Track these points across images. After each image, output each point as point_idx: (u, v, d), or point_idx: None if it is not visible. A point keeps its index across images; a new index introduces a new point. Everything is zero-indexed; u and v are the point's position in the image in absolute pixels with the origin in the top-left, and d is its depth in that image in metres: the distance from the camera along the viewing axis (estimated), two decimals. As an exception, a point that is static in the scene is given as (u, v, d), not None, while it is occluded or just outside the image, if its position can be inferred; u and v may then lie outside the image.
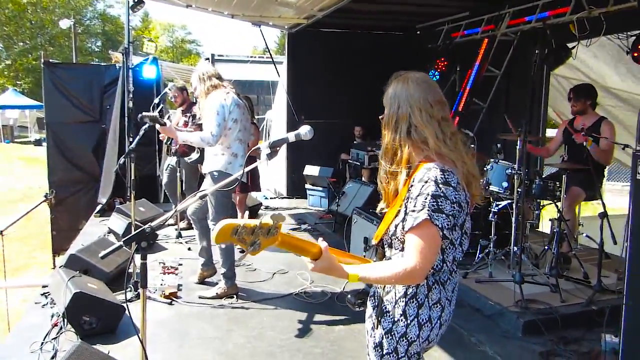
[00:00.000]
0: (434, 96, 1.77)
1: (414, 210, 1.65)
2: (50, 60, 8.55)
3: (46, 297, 4.20)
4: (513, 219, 4.48)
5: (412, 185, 1.70)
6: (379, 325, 1.82)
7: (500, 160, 4.80)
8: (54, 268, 7.32)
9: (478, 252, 4.86)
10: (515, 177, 4.48)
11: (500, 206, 4.79)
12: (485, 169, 4.89)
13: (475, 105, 7.44)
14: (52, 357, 3.26)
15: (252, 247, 1.55)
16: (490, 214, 4.74)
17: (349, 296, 1.94)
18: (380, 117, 1.86)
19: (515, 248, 4.45)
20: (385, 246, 1.86)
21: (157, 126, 4.47)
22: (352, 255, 1.87)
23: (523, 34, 6.73)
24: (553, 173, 5.25)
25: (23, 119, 33.26)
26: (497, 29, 6.95)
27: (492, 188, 4.75)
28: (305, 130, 2.35)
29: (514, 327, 3.81)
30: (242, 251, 5.27)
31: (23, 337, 3.59)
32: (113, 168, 7.22)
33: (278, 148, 2.31)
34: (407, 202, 1.70)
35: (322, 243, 1.69)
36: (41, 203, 7.87)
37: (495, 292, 4.24)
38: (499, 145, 5.05)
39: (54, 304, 3.97)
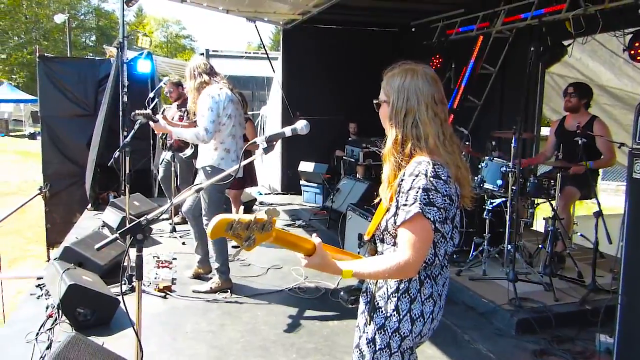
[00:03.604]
0: (439, 94, 1.75)
1: (405, 204, 1.64)
2: (45, 54, 8.48)
3: (41, 288, 4.20)
4: (507, 217, 4.49)
5: (402, 180, 1.69)
6: (372, 321, 1.81)
7: (495, 158, 4.81)
8: (48, 261, 7.30)
9: (472, 249, 4.88)
10: (510, 175, 4.49)
11: (494, 204, 4.80)
12: (479, 166, 4.90)
13: (470, 103, 7.46)
14: (47, 348, 3.26)
15: (247, 243, 1.53)
16: (485, 212, 4.75)
17: (342, 293, 1.93)
18: (374, 101, 1.84)
19: (509, 246, 4.47)
20: (377, 241, 1.86)
21: (151, 123, 4.49)
22: (345, 251, 1.87)
23: (518, 32, 6.75)
24: (548, 171, 5.28)
25: (18, 113, 33.15)
26: (492, 26, 6.96)
27: (486, 186, 4.76)
28: (301, 125, 2.34)
29: (508, 325, 3.82)
30: (234, 247, 5.29)
31: (18, 327, 3.59)
32: (93, 162, 7.19)
33: (274, 142, 2.31)
34: (398, 196, 1.69)
35: (315, 239, 1.68)
36: (35, 196, 7.84)
37: (488, 290, 4.26)
38: (493, 142, 5.07)
39: (49, 295, 3.97)
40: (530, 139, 6.48)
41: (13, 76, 37.99)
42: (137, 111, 4.43)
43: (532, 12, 6.18)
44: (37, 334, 3.44)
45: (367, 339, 1.84)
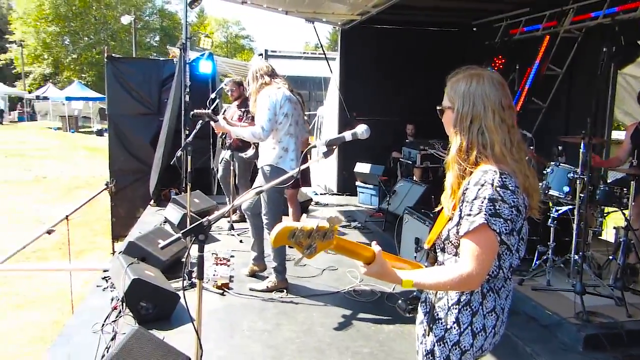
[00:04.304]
0: (506, 99, 1.69)
1: (469, 214, 1.59)
2: (113, 54, 8.88)
3: (107, 281, 4.39)
4: (574, 226, 4.28)
5: (466, 189, 1.64)
6: (431, 332, 1.77)
7: (561, 164, 4.60)
8: (113, 253, 7.63)
9: (535, 258, 4.69)
10: (578, 182, 4.28)
11: (560, 212, 4.59)
12: (544, 172, 4.71)
13: (534, 105, 7.19)
14: (112, 339, 3.41)
15: (308, 251, 1.53)
16: (550, 220, 4.55)
17: (400, 302, 1.89)
18: (438, 107, 1.79)
19: (576, 256, 4.25)
20: (437, 251, 1.81)
21: (211, 123, 4.63)
22: (404, 259, 1.84)
23: (588, 31, 6.44)
24: (620, 178, 4.99)
25: (87, 110, 35.10)
26: (560, 26, 6.67)
27: (551, 192, 4.56)
28: (362, 130, 2.31)
29: (574, 340, 3.63)
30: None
31: (85, 318, 3.77)
32: (160, 160, 7.43)
33: (334, 146, 2.29)
34: (461, 205, 1.64)
35: (375, 247, 1.65)
36: (102, 191, 8.22)
37: (553, 302, 4.08)
38: (560, 147, 4.85)
39: (114, 288, 4.14)
40: (600, 145, 6.15)
41: (83, 75, 40.16)
42: (196, 110, 4.57)
43: (604, 10, 5.89)
44: (103, 325, 3.60)
45: (425, 350, 1.80)
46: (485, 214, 1.56)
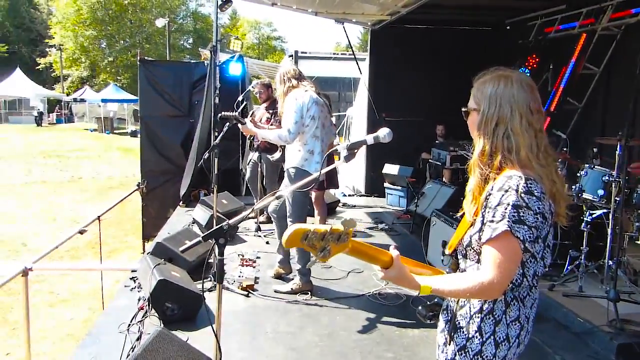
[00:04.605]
0: (535, 103, 1.63)
1: (492, 221, 1.54)
2: (145, 57, 9.03)
3: (134, 281, 4.46)
4: (609, 230, 4.12)
5: (489, 194, 1.59)
6: (452, 341, 1.73)
7: (596, 166, 4.45)
8: (143, 252, 7.78)
9: (567, 263, 4.54)
10: (614, 185, 4.12)
11: (594, 215, 4.43)
12: (578, 174, 4.55)
13: (570, 105, 6.97)
14: (137, 339, 3.45)
15: (322, 254, 1.51)
16: (583, 224, 4.40)
17: (420, 308, 1.85)
18: (463, 109, 1.74)
19: (611, 262, 4.10)
20: (459, 257, 1.76)
21: (239, 125, 4.67)
22: (425, 265, 1.80)
23: (628, 28, 6.20)
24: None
25: (122, 112, 36.03)
26: (598, 23, 6.45)
27: (585, 195, 4.40)
28: (384, 133, 2.29)
29: (606, 349, 3.50)
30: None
31: (113, 317, 3.84)
32: (194, 162, 7.51)
33: (356, 150, 2.27)
34: (484, 211, 1.59)
35: (393, 252, 1.62)
36: (134, 192, 8.39)
37: (585, 308, 3.94)
38: (595, 149, 4.68)
39: (141, 288, 4.21)
40: (639, 147, 5.91)
41: (118, 77, 41.21)
42: (223, 113, 4.62)
43: (645, 6, 5.67)
44: (129, 325, 3.66)
45: (445, 359, 1.75)
46: (508, 221, 1.51)
